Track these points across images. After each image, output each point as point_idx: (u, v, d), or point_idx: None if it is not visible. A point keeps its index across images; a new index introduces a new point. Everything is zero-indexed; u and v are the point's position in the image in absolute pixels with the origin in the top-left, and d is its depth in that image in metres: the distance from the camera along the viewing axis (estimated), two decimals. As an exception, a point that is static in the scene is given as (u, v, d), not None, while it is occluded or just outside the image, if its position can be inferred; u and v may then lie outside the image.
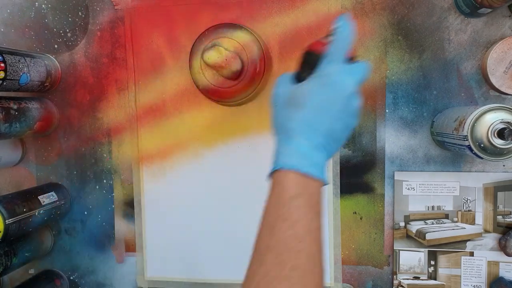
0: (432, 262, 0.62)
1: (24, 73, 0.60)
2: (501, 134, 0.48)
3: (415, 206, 0.62)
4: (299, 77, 0.42)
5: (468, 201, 0.61)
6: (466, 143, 0.50)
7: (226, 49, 0.56)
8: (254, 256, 0.36)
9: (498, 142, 0.49)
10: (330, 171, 0.63)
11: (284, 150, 0.39)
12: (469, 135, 0.50)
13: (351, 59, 0.42)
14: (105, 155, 0.69)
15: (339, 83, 0.39)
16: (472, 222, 0.61)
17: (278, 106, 0.42)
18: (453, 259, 0.62)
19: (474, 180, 0.61)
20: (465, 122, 0.50)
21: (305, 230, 0.35)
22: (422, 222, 0.62)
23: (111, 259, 0.71)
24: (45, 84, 0.66)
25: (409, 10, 0.61)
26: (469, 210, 0.61)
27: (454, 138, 0.53)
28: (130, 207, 0.69)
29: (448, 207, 0.62)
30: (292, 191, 0.36)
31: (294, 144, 0.38)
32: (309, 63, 0.42)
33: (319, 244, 0.36)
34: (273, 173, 0.39)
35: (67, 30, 0.69)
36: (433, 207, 0.62)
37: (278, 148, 0.40)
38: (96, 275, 0.71)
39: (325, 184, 0.39)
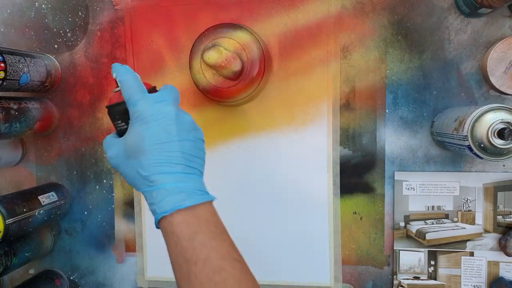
0: (432, 262, 0.62)
1: (24, 73, 0.60)
2: (501, 134, 0.48)
3: (415, 206, 0.62)
4: (121, 132, 0.42)
5: (468, 201, 0.61)
6: (466, 143, 0.50)
7: (226, 49, 0.56)
8: None
9: (498, 142, 0.49)
10: (330, 171, 0.63)
11: (154, 198, 0.38)
12: (469, 135, 0.50)
13: (153, 90, 0.43)
14: (105, 155, 0.69)
15: (157, 113, 0.39)
16: (472, 222, 0.61)
17: (120, 165, 0.41)
18: (453, 259, 0.62)
19: (474, 180, 0.61)
20: (465, 122, 0.50)
21: (219, 259, 0.35)
22: (422, 222, 0.62)
23: (111, 259, 0.71)
24: (45, 84, 0.66)
25: (409, 10, 0.61)
26: (469, 210, 0.61)
27: (454, 138, 0.53)
28: (130, 207, 0.69)
29: (448, 207, 0.62)
30: (186, 233, 0.36)
31: (159, 188, 0.37)
32: (119, 115, 0.42)
33: (240, 261, 0.36)
34: (159, 224, 0.38)
35: (67, 30, 0.69)
36: (433, 207, 0.62)
37: (149, 201, 0.39)
38: (96, 275, 0.71)
39: (213, 200, 0.39)
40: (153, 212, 0.38)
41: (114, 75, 0.43)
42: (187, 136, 0.39)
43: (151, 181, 0.38)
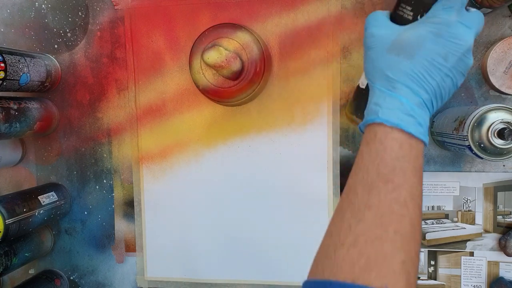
0: (432, 262, 0.62)
1: (24, 73, 0.60)
2: (501, 134, 0.48)
3: (415, 206, 0.62)
4: (398, 19, 0.37)
5: (468, 201, 0.61)
6: (466, 143, 0.50)
7: (226, 49, 0.56)
8: (348, 210, 0.33)
9: (498, 142, 0.49)
10: (330, 171, 0.63)
11: (386, 103, 0.35)
12: (469, 135, 0.50)
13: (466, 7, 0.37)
14: (105, 155, 0.69)
15: (458, 36, 0.34)
16: (472, 222, 0.61)
17: (376, 49, 0.37)
18: (453, 259, 0.62)
19: (474, 180, 0.61)
20: (465, 122, 0.50)
21: (409, 195, 0.33)
22: (422, 222, 0.62)
23: (111, 259, 0.71)
24: (45, 84, 0.66)
25: (409, 10, 0.61)
26: (469, 210, 0.61)
27: (454, 138, 0.53)
28: (130, 207, 0.69)
29: (448, 207, 0.62)
30: (396, 152, 0.33)
31: (398, 98, 0.34)
32: (416, 1, 0.36)
33: (420, 210, 0.34)
34: (369, 126, 0.35)
35: (67, 30, 0.69)
36: (433, 207, 0.62)
37: (377, 99, 0.35)
38: (96, 275, 0.71)
39: (426, 146, 0.36)
40: (371, 112, 0.36)
41: None
42: (454, 76, 0.35)
43: (393, 86, 0.35)
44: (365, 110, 0.37)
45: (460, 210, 0.62)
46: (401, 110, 0.34)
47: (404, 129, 0.34)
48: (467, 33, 0.35)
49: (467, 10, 0.36)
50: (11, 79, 0.57)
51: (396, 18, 0.37)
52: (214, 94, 0.60)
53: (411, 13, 0.37)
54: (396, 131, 0.34)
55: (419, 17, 0.36)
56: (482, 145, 0.49)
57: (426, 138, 0.35)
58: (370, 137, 0.35)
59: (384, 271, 0.30)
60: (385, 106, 0.35)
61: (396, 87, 0.35)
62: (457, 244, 0.62)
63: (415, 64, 0.35)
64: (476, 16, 0.36)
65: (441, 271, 0.62)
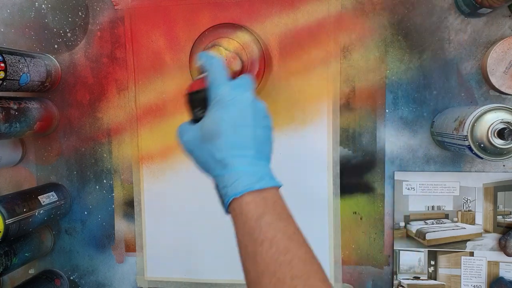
0: (432, 262, 0.62)
1: (24, 73, 0.60)
2: (501, 134, 0.48)
3: (415, 206, 0.62)
4: (197, 119, 0.43)
5: (468, 201, 0.61)
6: (466, 143, 0.50)
7: (226, 49, 0.56)
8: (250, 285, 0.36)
9: (498, 142, 0.49)
10: (330, 171, 0.63)
11: (227, 180, 0.39)
12: (469, 135, 0.50)
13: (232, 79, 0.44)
14: (105, 155, 0.69)
15: (236, 98, 0.40)
16: (472, 222, 0.61)
17: (194, 150, 0.42)
18: (453, 259, 0.62)
19: (474, 180, 0.61)
20: (465, 122, 0.50)
21: (285, 239, 0.35)
22: (422, 222, 0.62)
23: (111, 259, 0.71)
24: (45, 84, 0.66)
25: (409, 10, 0.61)
26: (469, 210, 0.61)
27: (454, 138, 0.53)
28: (130, 207, 0.69)
29: (448, 207, 0.62)
30: (254, 213, 0.37)
31: (232, 170, 0.38)
32: (198, 101, 0.43)
33: (305, 243, 0.37)
34: (229, 207, 0.39)
35: (67, 30, 0.69)
36: (433, 207, 0.62)
37: (220, 183, 0.40)
38: (96, 275, 0.71)
39: (280, 186, 0.39)
40: (225, 195, 0.39)
41: (199, 62, 0.44)
42: (260, 123, 0.41)
43: (224, 164, 0.39)
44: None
45: (460, 210, 0.62)
46: (240, 176, 0.38)
47: (251, 188, 0.37)
48: (241, 92, 0.41)
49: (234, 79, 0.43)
50: (11, 79, 0.57)
51: (196, 121, 0.44)
52: (214, 94, 0.60)
53: (202, 110, 0.43)
54: (246, 196, 0.37)
55: (206, 109, 0.43)
56: (482, 145, 0.49)
57: (275, 182, 0.39)
58: (233, 215, 0.39)
59: None
60: (228, 185, 0.38)
61: (226, 163, 0.39)
62: (457, 244, 0.62)
63: (226, 138, 0.39)
64: (241, 78, 0.43)
65: (441, 271, 0.62)
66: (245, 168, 0.38)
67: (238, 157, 0.39)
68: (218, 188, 0.41)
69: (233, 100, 0.40)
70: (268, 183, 0.38)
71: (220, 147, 0.39)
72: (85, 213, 0.71)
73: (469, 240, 0.61)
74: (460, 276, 0.62)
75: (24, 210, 0.60)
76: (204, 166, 0.42)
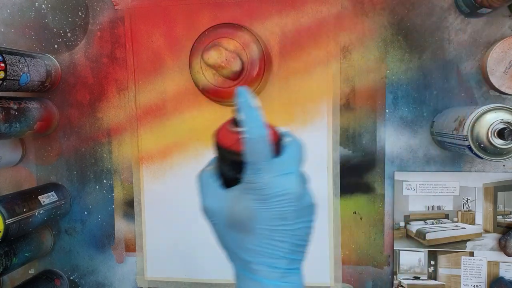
0: (432, 262, 0.62)
1: (24, 73, 0.60)
2: (501, 134, 0.48)
3: (415, 206, 0.62)
4: (225, 179, 0.35)
5: (468, 201, 0.61)
6: (466, 143, 0.50)
7: (226, 49, 0.56)
8: None
9: (498, 142, 0.49)
10: (330, 171, 0.63)
11: (248, 285, 0.33)
12: (469, 135, 0.50)
13: (277, 142, 0.34)
14: (105, 155, 0.69)
15: (278, 192, 0.32)
16: (472, 222, 0.61)
17: (218, 225, 0.35)
18: (453, 259, 0.62)
19: (474, 180, 0.61)
20: (465, 122, 0.50)
21: None
22: (422, 222, 0.62)
23: (111, 259, 0.71)
24: (45, 84, 0.66)
25: (409, 10, 0.61)
26: (469, 210, 0.61)
27: (454, 138, 0.53)
28: (130, 207, 0.69)
29: (448, 207, 0.62)
30: None
31: (259, 281, 0.32)
32: (233, 164, 0.34)
33: None
34: None
35: (67, 30, 0.69)
36: (433, 207, 0.62)
37: (240, 284, 0.34)
38: (96, 275, 0.71)
39: None
40: None
41: (239, 115, 0.33)
42: (302, 222, 0.33)
43: (252, 269, 0.33)
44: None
45: (460, 210, 0.62)
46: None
47: None
48: (289, 181, 0.32)
49: (280, 149, 0.34)
50: (11, 79, 0.57)
51: (223, 178, 0.36)
52: (214, 94, 0.60)
53: (233, 173, 0.34)
54: None
55: (239, 176, 0.34)
56: (482, 145, 0.49)
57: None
58: None
59: None
60: (245, 286, 0.33)
61: (254, 269, 0.33)
62: (457, 244, 0.62)
63: (258, 237, 0.32)
64: (289, 155, 0.33)
65: (441, 271, 0.62)
66: (273, 283, 0.32)
67: (269, 267, 0.32)
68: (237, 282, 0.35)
69: (273, 194, 0.32)
70: None
71: (251, 248, 0.33)
72: (85, 213, 0.71)
73: (469, 240, 0.61)
74: (460, 276, 0.62)
75: (24, 210, 0.60)
76: (225, 247, 0.36)
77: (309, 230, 0.34)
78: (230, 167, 0.34)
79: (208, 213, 0.36)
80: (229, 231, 0.34)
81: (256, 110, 0.33)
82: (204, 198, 0.36)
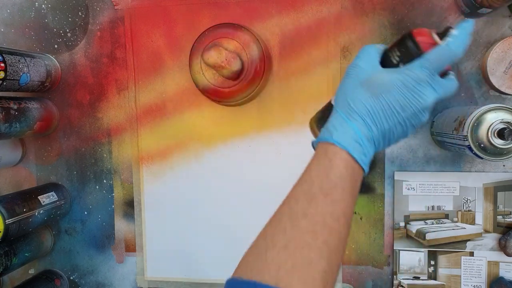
0: (432, 262, 0.62)
1: (24, 73, 0.60)
2: (501, 134, 0.48)
3: (415, 206, 0.62)
4: (388, 58, 0.40)
5: (468, 201, 0.61)
6: (466, 143, 0.50)
7: (226, 49, 0.56)
8: (286, 215, 0.36)
9: (498, 142, 0.49)
10: (330, 171, 0.63)
11: (342, 127, 0.38)
12: (469, 135, 0.50)
13: (444, 72, 0.40)
14: (105, 155, 0.69)
15: (421, 93, 0.37)
16: (472, 222, 0.61)
17: (352, 78, 0.40)
18: (453, 259, 0.62)
19: (474, 180, 0.61)
20: (465, 122, 0.50)
21: (343, 212, 0.35)
22: (422, 222, 0.62)
23: (111, 259, 0.71)
24: (45, 84, 0.66)
25: (409, 10, 0.61)
26: (469, 210, 0.61)
27: (454, 138, 0.53)
28: (130, 207, 0.69)
29: (448, 207, 0.62)
30: (340, 171, 0.36)
31: (353, 127, 0.37)
32: (406, 50, 0.39)
33: (349, 228, 0.37)
34: (322, 143, 0.38)
35: (67, 30, 0.69)
36: (433, 207, 0.62)
37: (335, 122, 0.39)
38: (96, 275, 0.71)
39: (365, 175, 0.39)
40: (326, 131, 0.39)
41: (453, 31, 0.38)
42: (406, 126, 0.38)
43: (351, 115, 0.38)
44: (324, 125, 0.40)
45: (460, 210, 0.62)
46: (353, 137, 0.37)
47: (352, 153, 0.37)
48: (431, 94, 0.38)
49: (447, 74, 0.40)
50: (11, 79, 0.57)
51: (385, 57, 0.40)
52: (214, 94, 0.60)
53: (397, 59, 0.40)
54: (345, 153, 0.37)
55: (401, 64, 0.39)
56: (482, 145, 0.49)
57: (366, 168, 0.38)
58: (320, 154, 0.38)
59: (305, 277, 0.32)
60: (340, 130, 0.38)
61: (353, 116, 0.38)
62: (457, 244, 0.62)
63: (377, 103, 0.38)
64: (447, 84, 0.39)
65: (441, 271, 0.62)
66: (361, 136, 0.37)
67: (367, 124, 0.37)
68: (325, 114, 0.41)
69: (417, 92, 0.37)
70: (364, 163, 0.37)
71: (365, 104, 0.38)
72: (85, 213, 0.71)
73: (469, 240, 0.61)
74: (460, 276, 0.62)
75: (24, 210, 0.60)
76: (340, 95, 0.40)
77: (402, 136, 0.39)
78: (403, 52, 0.39)
79: (353, 68, 0.40)
80: (358, 87, 0.39)
81: (468, 40, 0.38)
82: (359, 59, 0.40)
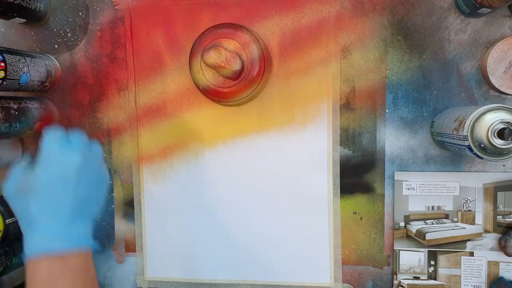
0: (432, 262, 0.62)
1: (24, 73, 0.60)
2: (501, 134, 0.48)
3: (415, 206, 0.62)
4: None
5: (468, 201, 0.61)
6: (466, 143, 0.50)
7: (226, 49, 0.56)
8: None
9: (498, 142, 0.49)
10: (330, 171, 0.63)
11: (30, 239, 0.37)
12: (469, 135, 0.50)
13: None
14: (105, 155, 0.69)
15: (59, 159, 0.39)
16: (472, 222, 0.61)
17: (11, 197, 0.40)
18: (453, 259, 0.62)
19: (474, 180, 0.61)
20: (465, 122, 0.50)
21: None
22: (422, 222, 0.62)
23: (111, 259, 0.71)
24: (45, 84, 0.66)
25: (409, 10, 0.61)
26: (469, 210, 0.61)
27: (454, 138, 0.53)
28: (130, 207, 0.69)
29: (448, 207, 0.62)
30: (45, 278, 0.35)
31: (38, 231, 0.37)
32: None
33: None
34: (26, 266, 0.37)
35: (67, 30, 0.69)
36: (433, 207, 0.62)
37: (25, 239, 0.38)
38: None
39: (93, 249, 0.38)
40: (23, 252, 0.38)
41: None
42: (89, 187, 0.39)
43: (33, 222, 0.37)
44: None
45: (460, 210, 0.62)
46: (43, 239, 0.36)
47: (50, 252, 0.35)
48: (66, 153, 0.39)
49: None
50: (11, 79, 0.57)
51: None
52: (214, 94, 0.60)
53: None
54: (44, 259, 0.35)
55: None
56: (482, 145, 0.49)
57: (83, 245, 0.37)
58: (26, 277, 0.36)
59: None
60: (29, 243, 0.37)
61: (34, 222, 0.37)
62: (457, 244, 0.62)
63: (39, 197, 0.37)
64: (73, 138, 0.41)
65: (441, 271, 0.62)
66: (51, 233, 0.37)
67: (48, 219, 0.37)
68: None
69: (55, 162, 0.39)
70: (74, 246, 0.37)
71: (32, 205, 0.38)
72: (85, 213, 0.70)
73: (469, 240, 0.61)
74: (460, 276, 0.62)
75: (24, 210, 0.60)
76: (17, 217, 0.40)
77: (99, 192, 0.40)
78: None
79: (5, 191, 0.41)
80: (19, 198, 0.39)
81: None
82: (5, 182, 0.41)
